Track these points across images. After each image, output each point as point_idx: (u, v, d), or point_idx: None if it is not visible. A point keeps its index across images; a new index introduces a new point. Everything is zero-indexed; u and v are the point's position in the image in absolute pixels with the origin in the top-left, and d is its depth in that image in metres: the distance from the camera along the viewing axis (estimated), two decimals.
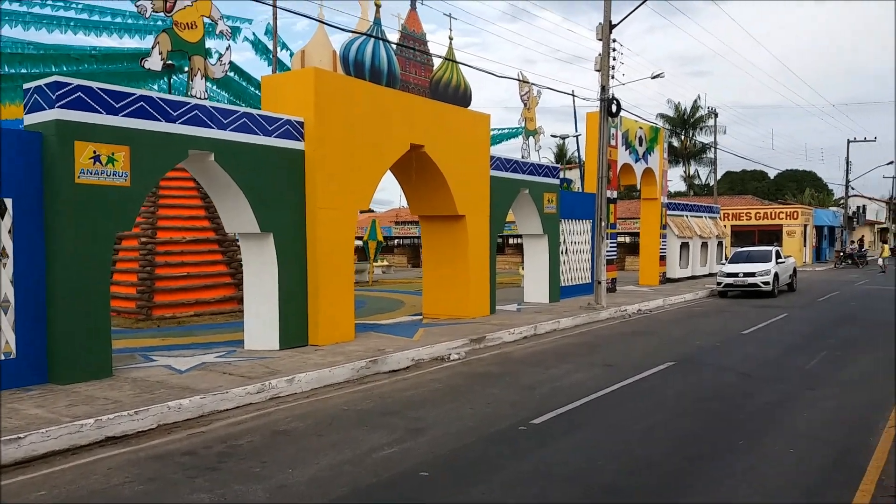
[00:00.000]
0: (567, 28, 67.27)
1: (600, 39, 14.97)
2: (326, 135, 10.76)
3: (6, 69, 13.55)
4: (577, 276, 18.83)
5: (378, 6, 11.62)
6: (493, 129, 18.96)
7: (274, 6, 15.14)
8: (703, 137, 48.16)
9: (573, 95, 25.01)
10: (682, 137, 49.50)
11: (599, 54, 15.08)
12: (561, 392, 8.06)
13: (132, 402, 7.08)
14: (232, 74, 15.80)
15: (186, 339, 12.13)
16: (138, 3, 8.50)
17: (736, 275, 20.31)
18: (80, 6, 13.67)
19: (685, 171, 52.55)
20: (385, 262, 32.30)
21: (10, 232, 7.86)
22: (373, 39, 11.47)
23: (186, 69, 9.67)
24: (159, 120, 8.81)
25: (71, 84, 7.96)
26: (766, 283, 19.98)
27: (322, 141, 10.69)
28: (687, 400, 7.72)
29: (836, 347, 11.14)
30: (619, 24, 14.91)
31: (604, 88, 15.14)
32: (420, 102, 12.60)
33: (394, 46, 12.05)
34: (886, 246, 37.08)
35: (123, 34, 14.65)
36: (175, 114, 8.99)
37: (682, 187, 52.34)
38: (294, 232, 10.58)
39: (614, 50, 15.33)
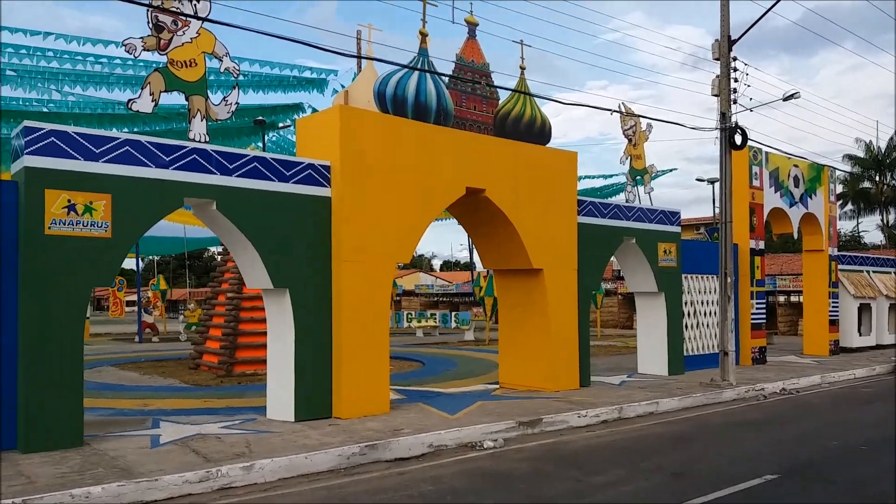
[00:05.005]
0: (754, 76, 62.08)
1: (717, 59, 12.46)
2: (356, 179, 9.53)
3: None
4: (708, 344, 15.77)
5: (424, 35, 10.35)
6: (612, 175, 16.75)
7: (358, 56, 14.47)
8: None
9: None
10: (878, 180, 42.55)
11: (717, 76, 12.55)
12: None
13: (46, 484, 6.09)
14: None
15: (228, 401, 11.29)
16: (126, 42, 7.92)
17: None
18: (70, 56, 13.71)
19: (883, 220, 44.91)
20: None
21: None
22: (417, 72, 10.17)
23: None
24: (148, 165, 8.09)
25: (42, 129, 7.46)
26: None
27: (350, 186, 9.48)
28: None
29: None
30: (739, 38, 12.33)
31: (724, 116, 12.53)
32: (479, 140, 11.02)
33: (445, 79, 10.67)
34: None
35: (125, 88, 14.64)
36: (168, 158, 8.23)
37: (880, 238, 44.78)
38: (315, 288, 9.37)
39: (735, 70, 12.68)
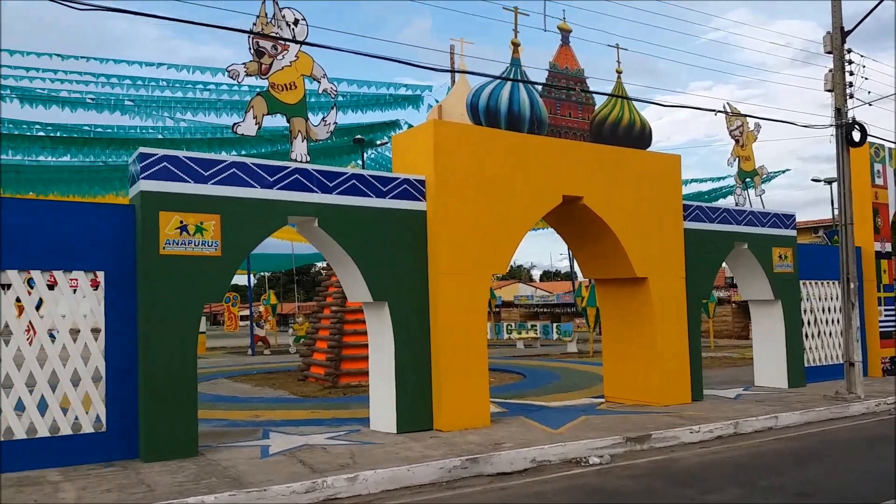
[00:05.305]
0: (872, 68, 57.88)
1: (830, 52, 11.60)
2: (450, 192, 9.54)
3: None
4: (831, 355, 14.64)
5: (516, 45, 10.25)
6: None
7: (451, 70, 14.59)
8: None
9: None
10: None
11: (830, 70, 11.68)
12: None
13: (164, 492, 6.41)
14: None
15: (333, 412, 11.56)
16: (230, 68, 8.30)
17: None
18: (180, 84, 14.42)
19: None
20: None
21: (101, 305, 7.95)
22: (509, 83, 10.08)
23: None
24: (254, 186, 8.43)
25: (155, 155, 7.92)
26: None
27: (445, 199, 9.50)
28: None
29: None
30: (853, 29, 11.42)
31: (839, 112, 11.64)
32: (574, 147, 10.77)
33: (538, 87, 10.51)
34: None
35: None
36: (272, 179, 8.55)
37: None
38: (413, 300, 9.43)
39: (850, 63, 11.77)
